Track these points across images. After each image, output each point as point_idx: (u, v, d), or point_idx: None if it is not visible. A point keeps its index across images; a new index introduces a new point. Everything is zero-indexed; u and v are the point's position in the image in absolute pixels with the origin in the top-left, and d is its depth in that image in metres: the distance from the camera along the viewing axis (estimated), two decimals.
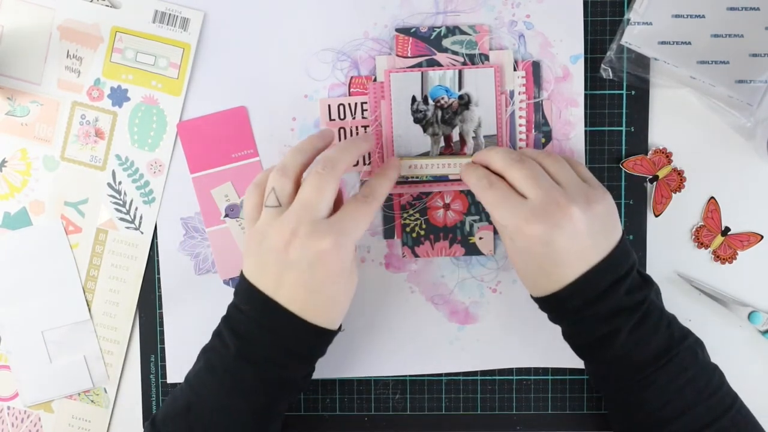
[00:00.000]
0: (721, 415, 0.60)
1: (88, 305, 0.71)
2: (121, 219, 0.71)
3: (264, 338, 0.60)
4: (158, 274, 0.71)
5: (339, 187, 0.61)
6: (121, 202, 0.70)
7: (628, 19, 0.68)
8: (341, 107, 0.70)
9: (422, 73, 0.69)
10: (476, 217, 0.70)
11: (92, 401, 0.72)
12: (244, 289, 0.61)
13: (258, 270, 0.60)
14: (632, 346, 0.60)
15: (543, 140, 0.70)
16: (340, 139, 0.70)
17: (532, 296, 0.64)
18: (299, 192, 0.60)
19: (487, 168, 0.64)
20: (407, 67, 0.69)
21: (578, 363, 0.71)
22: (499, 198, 0.61)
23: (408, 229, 0.70)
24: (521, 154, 0.63)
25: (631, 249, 0.62)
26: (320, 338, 0.62)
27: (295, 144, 0.63)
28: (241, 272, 0.62)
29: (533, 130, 0.70)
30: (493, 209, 0.61)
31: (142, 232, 0.71)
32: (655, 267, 0.71)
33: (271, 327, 0.60)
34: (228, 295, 0.70)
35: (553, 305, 0.62)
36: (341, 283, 0.60)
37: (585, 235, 0.59)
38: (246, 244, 0.62)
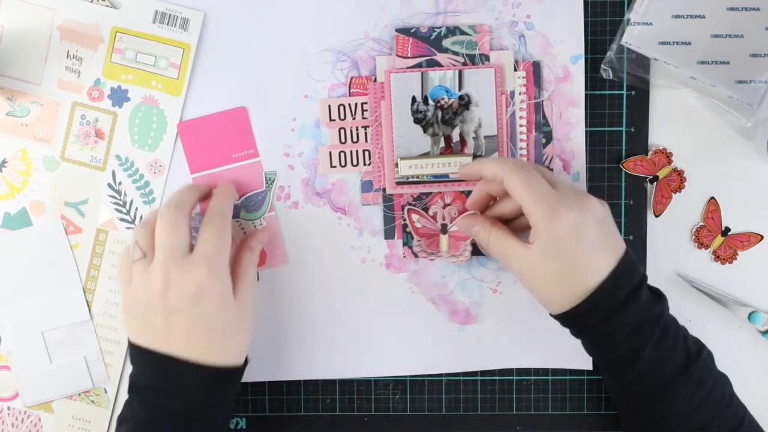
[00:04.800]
0: (736, 428, 0.60)
1: (88, 305, 0.71)
2: (122, 219, 0.71)
3: (174, 396, 0.59)
4: None
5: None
6: (121, 203, 0.70)
7: (628, 20, 0.68)
8: (341, 107, 0.70)
9: (422, 73, 0.69)
10: None
11: (92, 401, 0.72)
12: (137, 355, 0.61)
13: (145, 330, 0.60)
14: (655, 364, 0.59)
15: (543, 140, 0.70)
16: (340, 140, 0.70)
17: (551, 315, 0.63)
18: (156, 238, 0.61)
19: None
20: (407, 68, 0.69)
21: (578, 363, 0.71)
22: (532, 179, 0.59)
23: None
24: (514, 161, 0.62)
25: (636, 260, 0.62)
26: (228, 378, 0.61)
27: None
28: (129, 341, 0.62)
29: (533, 131, 0.70)
30: (524, 190, 0.59)
31: None
32: (655, 267, 0.71)
33: (176, 384, 0.59)
34: None
35: (574, 321, 0.61)
36: (231, 312, 0.60)
37: (608, 225, 0.59)
38: (125, 310, 0.62)
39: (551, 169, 0.69)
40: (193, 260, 0.59)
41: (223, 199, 0.65)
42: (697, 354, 0.61)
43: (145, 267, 0.60)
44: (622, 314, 0.59)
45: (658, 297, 0.62)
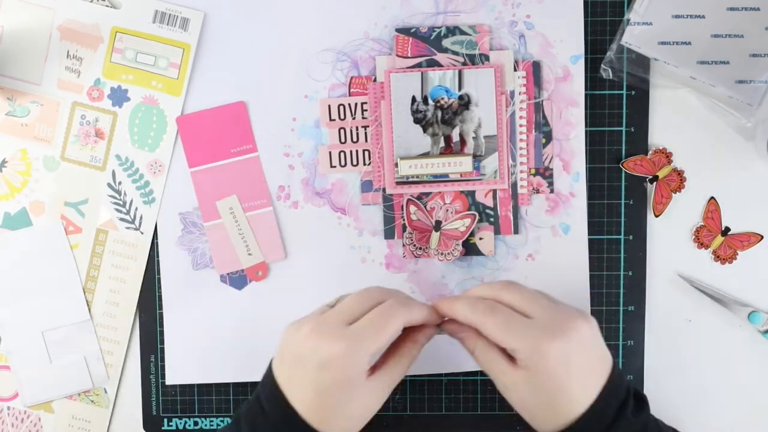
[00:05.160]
0: None
1: (88, 305, 0.71)
2: (121, 219, 0.71)
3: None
4: (158, 274, 0.71)
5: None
6: (121, 203, 0.71)
7: (628, 20, 0.68)
8: (341, 107, 0.70)
9: (422, 73, 0.69)
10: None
11: (92, 401, 0.72)
12: (266, 378, 0.59)
13: (279, 364, 0.59)
14: None
15: (543, 140, 0.70)
16: (340, 140, 0.70)
17: None
18: (351, 300, 0.59)
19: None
20: (407, 68, 0.69)
21: None
22: (506, 320, 0.56)
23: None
24: (484, 303, 0.58)
25: (621, 372, 0.58)
26: None
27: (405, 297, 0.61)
28: (270, 362, 0.60)
29: (533, 131, 0.70)
30: (501, 333, 0.56)
31: (142, 233, 0.71)
32: (656, 267, 0.71)
33: (280, 427, 0.57)
34: (225, 291, 0.71)
35: None
36: (354, 395, 0.57)
37: (595, 344, 0.56)
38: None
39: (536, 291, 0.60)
40: (343, 334, 0.56)
41: (424, 309, 0.60)
42: None
43: (319, 315, 0.58)
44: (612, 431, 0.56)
45: (641, 402, 0.59)
